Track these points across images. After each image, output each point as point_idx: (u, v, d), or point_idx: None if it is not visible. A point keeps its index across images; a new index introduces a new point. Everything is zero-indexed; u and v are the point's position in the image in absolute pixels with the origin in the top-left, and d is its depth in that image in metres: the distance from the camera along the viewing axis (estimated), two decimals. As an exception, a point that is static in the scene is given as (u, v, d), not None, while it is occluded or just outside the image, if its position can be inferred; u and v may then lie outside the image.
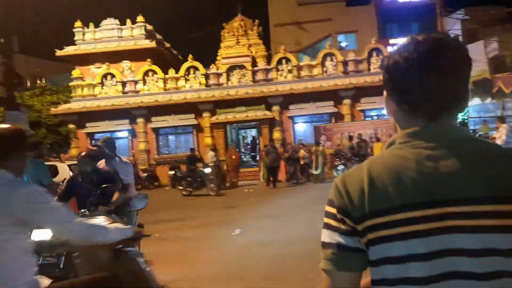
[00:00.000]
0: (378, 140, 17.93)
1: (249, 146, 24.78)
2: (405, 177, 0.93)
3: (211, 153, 16.57)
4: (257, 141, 22.62)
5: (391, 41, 30.28)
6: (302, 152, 16.82)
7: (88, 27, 22.72)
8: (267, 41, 32.29)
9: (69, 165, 10.38)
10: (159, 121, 21.06)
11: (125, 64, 22.58)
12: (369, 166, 0.99)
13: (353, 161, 17.09)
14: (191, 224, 9.12)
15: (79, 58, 22.59)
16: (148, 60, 21.41)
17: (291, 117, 20.95)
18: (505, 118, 13.99)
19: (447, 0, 23.63)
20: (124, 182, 4.89)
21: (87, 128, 21.03)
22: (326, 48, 21.68)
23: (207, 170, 14.43)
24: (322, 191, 13.04)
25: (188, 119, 20.96)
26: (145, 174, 18.89)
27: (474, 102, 19.93)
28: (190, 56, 21.53)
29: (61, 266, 3.40)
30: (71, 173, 9.04)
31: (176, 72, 21.56)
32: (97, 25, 22.79)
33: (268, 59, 22.08)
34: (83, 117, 20.90)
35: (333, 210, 1.00)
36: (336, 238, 0.98)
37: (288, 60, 21.46)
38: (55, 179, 8.82)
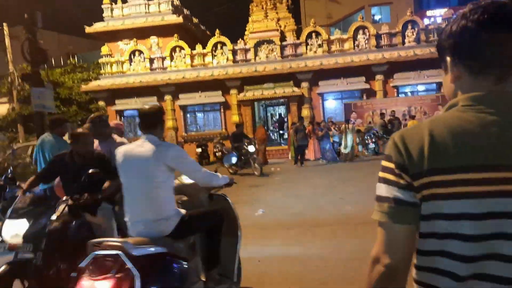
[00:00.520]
0: (413, 117, 17.16)
1: (276, 124, 24.35)
2: (468, 140, 0.96)
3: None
4: (285, 118, 22.20)
5: (428, 13, 28.82)
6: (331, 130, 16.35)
7: (116, 3, 22.62)
8: (297, 15, 31.39)
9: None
10: (186, 99, 20.94)
11: (153, 40, 22.45)
12: (430, 126, 1.01)
13: (384, 139, 16.48)
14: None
15: (108, 35, 22.61)
16: (175, 35, 21.17)
17: (321, 94, 20.35)
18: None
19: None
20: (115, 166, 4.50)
21: (116, 105, 21.19)
22: (358, 21, 20.71)
23: (251, 149, 13.60)
24: (352, 171, 12.63)
25: (216, 96, 20.73)
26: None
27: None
28: (217, 31, 21.12)
29: (39, 263, 3.26)
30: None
31: (203, 48, 21.26)
32: (124, 1, 22.65)
33: (298, 34, 21.36)
34: (112, 94, 21.04)
35: (391, 165, 1.03)
36: (394, 192, 1.02)
37: (318, 34, 20.69)
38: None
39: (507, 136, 0.94)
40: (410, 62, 19.22)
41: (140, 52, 21.56)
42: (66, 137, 5.60)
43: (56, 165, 3.92)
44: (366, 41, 20.44)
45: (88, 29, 22.20)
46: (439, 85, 19.50)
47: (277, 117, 24.63)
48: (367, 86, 19.85)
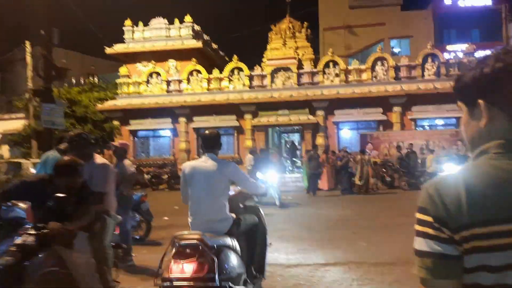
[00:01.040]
0: (431, 151, 16.59)
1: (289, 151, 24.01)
2: (505, 189, 0.94)
3: (250, 156, 16.00)
4: (299, 146, 21.87)
5: (449, 47, 28.59)
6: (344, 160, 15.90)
7: (137, 26, 23.02)
8: (316, 45, 31.51)
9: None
10: (200, 121, 20.85)
11: (171, 63, 22.64)
12: (464, 176, 0.99)
13: (401, 173, 15.96)
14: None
15: (127, 56, 22.94)
16: (193, 59, 21.31)
17: (336, 123, 20.04)
18: None
19: (514, 4, 21.78)
20: (97, 191, 3.70)
21: (130, 125, 21.22)
22: (377, 52, 20.55)
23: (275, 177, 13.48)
24: (366, 204, 12.13)
25: (230, 121, 20.60)
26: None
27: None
28: (235, 56, 21.20)
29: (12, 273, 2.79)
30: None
31: (220, 73, 21.31)
32: (146, 24, 23.04)
33: (316, 63, 21.31)
34: (128, 114, 21.10)
35: (429, 219, 1.01)
36: (435, 247, 0.99)
37: (335, 64, 20.57)
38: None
39: None
40: (429, 95, 18.87)
41: (158, 74, 21.72)
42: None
43: (32, 188, 3.24)
44: (385, 73, 20.22)
45: (108, 50, 22.56)
46: (459, 119, 18.97)
47: (290, 144, 24.31)
48: (384, 117, 19.49)
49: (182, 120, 20.93)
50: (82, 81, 29.08)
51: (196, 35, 22.89)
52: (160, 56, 22.15)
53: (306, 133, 20.08)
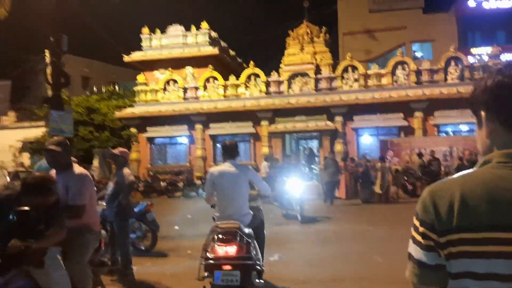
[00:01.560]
0: (460, 159, 15.81)
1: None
2: (500, 197, 0.93)
3: (265, 163, 15.70)
4: (316, 152, 21.36)
5: (473, 50, 27.65)
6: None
7: (155, 33, 23.11)
8: (335, 50, 31.03)
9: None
10: (217, 128, 20.66)
11: (188, 70, 22.60)
12: (461, 181, 1.00)
13: (423, 181, 15.30)
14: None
15: (145, 64, 23.04)
16: (210, 66, 21.20)
17: (355, 129, 19.50)
18: None
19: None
20: (73, 204, 3.44)
21: (147, 132, 21.21)
22: (398, 55, 19.96)
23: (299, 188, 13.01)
24: (385, 214, 11.61)
25: (246, 127, 20.34)
26: (199, 182, 18.46)
27: None
28: (252, 62, 20.98)
29: None
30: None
31: (237, 79, 21.12)
32: (163, 31, 23.11)
33: (334, 68, 20.87)
34: (145, 122, 21.12)
35: (417, 223, 1.03)
36: (418, 254, 1.02)
37: (354, 68, 20.08)
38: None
39: None
40: (453, 100, 18.13)
41: (175, 81, 21.71)
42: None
43: None
44: (406, 77, 19.61)
45: (126, 58, 22.71)
46: (485, 125, 18.20)
47: (307, 151, 23.83)
48: (405, 123, 18.86)
49: (199, 127, 20.80)
50: (103, 90, 29.43)
51: (213, 42, 22.80)
52: (177, 63, 22.15)
53: (324, 139, 19.63)
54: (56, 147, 3.61)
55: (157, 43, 22.92)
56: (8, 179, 16.06)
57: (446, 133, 19.16)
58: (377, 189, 15.07)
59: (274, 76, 20.72)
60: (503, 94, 1.01)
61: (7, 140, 24.65)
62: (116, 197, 5.46)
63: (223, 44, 24.54)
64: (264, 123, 20.10)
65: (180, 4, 47.89)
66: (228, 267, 3.87)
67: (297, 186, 10.83)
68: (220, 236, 4.00)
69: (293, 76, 20.42)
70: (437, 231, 0.97)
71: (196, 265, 6.63)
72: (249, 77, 21.04)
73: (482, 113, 1.07)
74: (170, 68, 21.78)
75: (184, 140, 21.36)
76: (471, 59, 21.36)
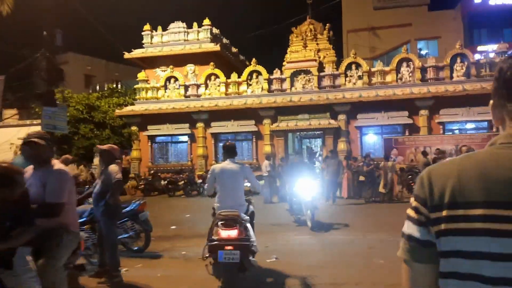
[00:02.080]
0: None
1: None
2: (494, 175, 0.92)
3: (266, 162, 15.41)
4: (318, 151, 21.02)
5: (479, 48, 27.19)
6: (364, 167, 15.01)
7: (156, 30, 22.86)
8: (339, 47, 30.66)
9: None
10: (218, 126, 20.38)
11: (189, 67, 22.34)
12: (460, 161, 1.00)
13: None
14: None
15: (146, 61, 22.80)
16: (211, 63, 20.92)
17: (359, 127, 19.14)
18: None
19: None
20: (50, 202, 3.20)
21: (148, 130, 20.97)
22: (402, 52, 19.58)
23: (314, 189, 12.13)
24: (389, 214, 11.27)
25: (248, 126, 20.04)
26: (200, 181, 18.20)
27: None
28: (254, 60, 20.68)
29: None
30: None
31: (239, 77, 20.83)
32: (165, 29, 22.85)
33: (338, 65, 20.52)
34: (145, 120, 20.88)
35: (412, 199, 1.04)
36: (410, 229, 1.02)
37: (358, 66, 19.72)
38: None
39: None
40: (459, 97, 17.77)
41: (176, 79, 21.45)
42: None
43: None
44: (410, 74, 19.23)
45: (126, 55, 22.47)
46: (491, 123, 17.80)
47: (308, 149, 23.50)
48: (410, 121, 18.48)
49: (200, 125, 20.53)
50: (105, 87, 29.25)
51: (214, 39, 22.51)
52: (178, 60, 21.88)
53: (327, 138, 19.28)
54: (39, 140, 3.35)
55: (158, 40, 22.67)
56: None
57: (452, 131, 18.76)
58: (381, 188, 14.74)
59: (276, 74, 20.40)
60: (505, 83, 1.01)
61: (9, 138, 24.51)
62: (103, 196, 5.19)
63: (225, 41, 24.24)
64: (266, 121, 19.79)
65: (183, 2, 47.68)
66: (230, 248, 4.62)
67: (308, 188, 9.40)
68: (223, 221, 4.77)
69: (296, 74, 20.09)
70: (429, 207, 0.98)
71: (190, 267, 6.39)
72: (251, 75, 20.74)
73: (490, 102, 1.08)
74: (171, 66, 21.52)
75: (185, 138, 21.09)
76: (477, 57, 20.93)
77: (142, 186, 18.39)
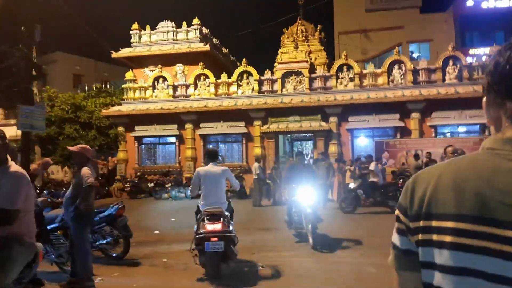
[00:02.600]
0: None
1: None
2: (467, 186, 0.87)
3: (256, 165, 15.05)
4: (307, 154, 20.74)
5: (471, 51, 27.15)
6: (351, 168, 14.72)
7: (145, 30, 22.44)
8: (331, 49, 30.46)
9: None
10: (207, 128, 19.98)
11: (178, 67, 21.94)
12: (443, 167, 0.96)
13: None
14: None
15: (134, 61, 22.36)
16: (201, 63, 20.54)
17: (350, 130, 18.88)
18: None
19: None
20: (2, 208, 2.86)
21: (135, 131, 20.51)
22: (394, 54, 19.38)
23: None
24: (381, 219, 10.99)
25: (238, 127, 19.67)
26: (188, 183, 17.77)
27: None
28: (244, 60, 20.33)
29: None
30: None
31: (229, 77, 20.47)
32: (154, 28, 22.44)
33: (329, 67, 20.26)
34: (133, 120, 20.41)
35: (396, 209, 1.02)
36: (393, 236, 1.01)
37: (350, 68, 19.48)
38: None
39: None
40: (451, 100, 17.59)
41: (164, 78, 21.04)
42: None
43: None
44: (402, 77, 19.03)
45: (114, 54, 22.01)
46: (483, 126, 17.67)
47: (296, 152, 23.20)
48: (401, 124, 18.27)
49: (189, 126, 20.10)
50: (94, 88, 28.69)
51: (204, 38, 22.13)
52: (167, 60, 21.47)
53: (318, 140, 18.99)
54: None
55: (147, 39, 22.24)
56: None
57: (444, 134, 18.59)
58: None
59: (267, 75, 20.08)
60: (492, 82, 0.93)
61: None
62: (74, 201, 4.79)
63: (215, 41, 23.88)
64: (256, 123, 19.44)
65: (173, 2, 47.24)
66: (215, 239, 5.34)
67: (311, 196, 7.88)
68: (209, 217, 5.51)
69: (287, 75, 19.78)
70: (409, 216, 0.95)
71: (169, 276, 6.01)
72: (241, 75, 20.39)
73: (484, 99, 0.98)
74: (159, 65, 21.10)
75: (173, 140, 20.66)
76: (469, 60, 20.81)
77: (128, 188, 17.93)
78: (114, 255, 6.76)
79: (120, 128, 20.45)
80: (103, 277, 5.62)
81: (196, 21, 21.88)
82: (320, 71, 19.71)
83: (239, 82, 20.37)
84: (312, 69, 19.92)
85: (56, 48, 39.44)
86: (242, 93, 20.14)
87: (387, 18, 29.71)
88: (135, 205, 15.41)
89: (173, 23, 22.14)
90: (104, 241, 6.64)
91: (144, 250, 7.45)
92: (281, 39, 21.89)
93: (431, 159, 15.75)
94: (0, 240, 2.79)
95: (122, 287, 5.34)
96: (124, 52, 22.00)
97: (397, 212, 1.00)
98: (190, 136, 20.11)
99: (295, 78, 19.73)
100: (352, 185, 12.30)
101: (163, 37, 21.99)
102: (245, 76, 20.32)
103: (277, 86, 19.86)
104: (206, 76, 20.56)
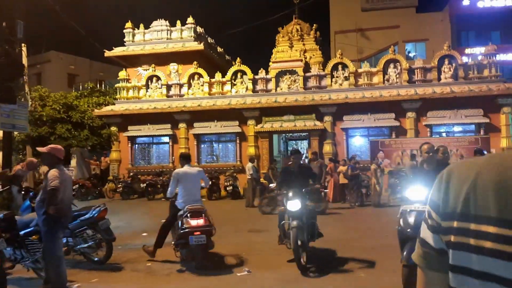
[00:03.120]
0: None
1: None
2: (510, 186, 0.78)
3: (250, 165, 14.84)
4: (302, 153, 20.50)
5: (467, 50, 27.03)
6: (342, 168, 14.55)
7: (138, 28, 22.19)
8: (327, 48, 30.26)
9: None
10: (201, 127, 19.74)
11: (172, 66, 21.70)
12: (483, 162, 0.86)
13: (414, 184, 14.50)
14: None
15: (127, 60, 22.10)
16: (195, 62, 20.31)
17: (345, 129, 18.67)
18: None
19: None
20: None
21: (128, 131, 20.26)
22: (389, 53, 19.19)
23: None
24: (376, 219, 10.80)
25: (232, 126, 19.44)
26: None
27: None
28: (238, 59, 20.11)
29: None
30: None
31: (224, 77, 20.24)
32: (147, 26, 22.20)
33: (324, 66, 20.05)
34: (126, 120, 20.16)
35: (429, 200, 0.95)
36: (424, 232, 0.94)
37: (345, 66, 19.28)
38: None
39: None
40: (446, 99, 17.43)
41: (158, 78, 20.79)
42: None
43: None
44: (397, 76, 18.85)
45: (107, 53, 21.75)
46: (478, 126, 17.51)
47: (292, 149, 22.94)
48: (396, 123, 18.08)
49: (182, 126, 19.87)
50: (85, 86, 28.41)
51: (198, 37, 21.89)
52: (161, 59, 21.23)
53: (312, 140, 18.79)
54: None
55: (140, 38, 21.98)
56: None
57: (439, 134, 18.42)
58: (373, 192, 14.27)
59: (261, 74, 19.85)
60: None
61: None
62: (44, 204, 4.57)
63: (210, 40, 23.64)
64: (250, 122, 19.22)
65: (167, 0, 46.98)
66: (198, 233, 6.00)
67: (305, 205, 6.25)
68: (191, 213, 6.17)
69: (281, 74, 19.57)
70: (441, 214, 0.88)
71: (151, 282, 5.79)
72: (235, 75, 20.17)
73: None
74: (153, 64, 20.85)
75: (167, 139, 20.43)
76: (465, 59, 20.65)
77: (121, 189, 17.68)
78: (96, 259, 6.54)
79: (113, 128, 20.20)
80: (80, 283, 5.41)
81: (190, 20, 21.64)
82: (315, 70, 19.51)
83: (233, 81, 20.15)
84: (306, 68, 19.72)
85: (50, 48, 39.19)
86: (236, 92, 19.91)
87: (383, 17, 29.56)
88: (127, 206, 15.19)
89: (167, 22, 21.90)
90: (85, 245, 6.42)
91: (129, 254, 7.24)
92: (276, 38, 21.69)
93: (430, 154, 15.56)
94: None
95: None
96: (118, 51, 21.74)
97: (428, 208, 0.93)
98: (184, 136, 19.88)
99: (290, 77, 19.53)
100: (272, 185, 12.25)
101: (157, 36, 21.74)
102: (239, 75, 20.10)
103: (271, 85, 19.65)
104: (200, 75, 20.34)
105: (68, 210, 4.95)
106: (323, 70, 19.69)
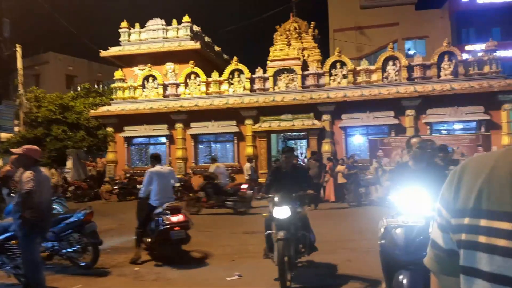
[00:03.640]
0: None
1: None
2: None
3: (248, 165, 14.61)
4: (300, 153, 20.29)
5: (468, 47, 26.74)
6: (340, 167, 14.32)
7: (134, 28, 21.95)
8: (326, 46, 30.03)
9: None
10: (198, 127, 19.51)
11: (169, 66, 21.46)
12: (500, 156, 0.82)
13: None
14: (187, 255, 7.08)
15: (123, 60, 21.88)
16: (191, 62, 20.06)
17: (344, 128, 18.42)
18: None
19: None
20: None
21: (125, 132, 20.04)
22: (388, 50, 18.93)
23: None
24: (374, 219, 10.53)
25: (229, 126, 19.20)
26: (178, 184, 17.29)
27: None
28: (235, 58, 19.86)
29: None
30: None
31: (221, 76, 19.99)
32: (143, 25, 21.96)
33: (323, 64, 19.79)
34: (122, 120, 19.94)
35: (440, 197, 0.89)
36: (434, 232, 0.89)
37: (343, 64, 19.02)
38: None
39: None
40: (446, 97, 17.16)
41: (154, 77, 20.56)
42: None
43: None
44: (397, 73, 18.58)
45: (102, 53, 21.53)
46: (479, 123, 17.24)
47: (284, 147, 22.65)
48: (396, 121, 17.82)
49: (179, 126, 19.63)
50: (82, 87, 28.17)
51: (195, 36, 21.65)
52: (157, 58, 20.99)
53: (311, 139, 18.53)
54: None
55: (136, 38, 21.74)
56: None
57: (439, 132, 18.15)
58: (374, 191, 14.05)
59: (259, 73, 19.60)
60: None
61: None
62: (18, 209, 4.33)
63: (207, 39, 23.40)
64: (248, 122, 18.97)
65: (164, 0, 46.76)
66: (177, 228, 6.48)
67: (284, 213, 5.19)
68: (170, 210, 6.54)
69: (279, 72, 19.32)
70: (451, 210, 0.83)
71: (137, 286, 5.55)
72: (232, 74, 19.92)
73: None
74: (149, 64, 20.61)
75: (163, 140, 20.19)
76: (465, 56, 20.37)
77: (117, 190, 17.44)
78: (82, 264, 6.30)
79: (109, 129, 19.98)
80: (63, 290, 5.17)
81: (186, 18, 21.40)
82: (313, 68, 19.26)
83: (230, 80, 19.90)
84: (305, 66, 19.47)
85: (48, 49, 38.97)
86: (234, 91, 19.67)
87: (382, 14, 29.32)
88: (122, 208, 14.94)
89: (163, 21, 21.66)
90: (71, 249, 6.19)
91: (118, 258, 7.00)
92: (274, 36, 21.43)
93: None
94: None
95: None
96: (113, 51, 21.51)
97: (438, 205, 0.87)
98: (181, 136, 19.64)
99: (287, 76, 19.28)
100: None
101: (152, 35, 21.50)
102: (236, 74, 19.85)
103: (269, 84, 19.40)
104: (197, 75, 20.10)
105: (47, 213, 4.72)
106: (322, 68, 19.44)
